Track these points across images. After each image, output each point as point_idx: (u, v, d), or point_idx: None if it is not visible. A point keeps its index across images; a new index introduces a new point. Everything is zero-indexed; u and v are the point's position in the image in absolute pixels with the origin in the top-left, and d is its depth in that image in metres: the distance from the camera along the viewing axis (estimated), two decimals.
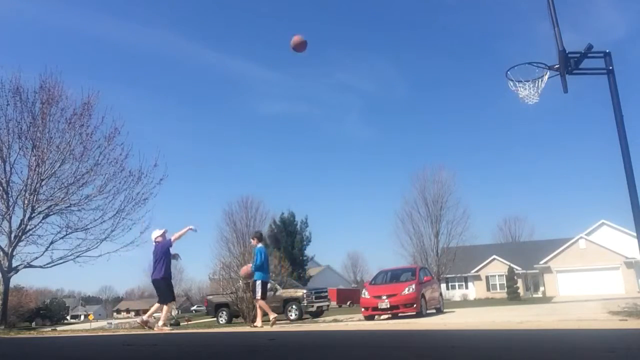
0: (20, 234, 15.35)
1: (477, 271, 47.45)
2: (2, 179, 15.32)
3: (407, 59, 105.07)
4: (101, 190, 16.27)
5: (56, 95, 16.20)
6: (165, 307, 9.37)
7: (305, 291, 18.04)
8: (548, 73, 8.06)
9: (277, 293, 17.43)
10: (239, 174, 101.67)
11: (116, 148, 16.53)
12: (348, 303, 43.97)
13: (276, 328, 9.36)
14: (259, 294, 9.95)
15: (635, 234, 7.22)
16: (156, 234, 9.52)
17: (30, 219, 15.55)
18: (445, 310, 15.42)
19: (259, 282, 9.91)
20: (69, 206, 16.10)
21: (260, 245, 10.21)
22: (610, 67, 7.68)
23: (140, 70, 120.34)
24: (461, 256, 38.51)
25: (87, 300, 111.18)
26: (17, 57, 37.36)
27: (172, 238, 9.34)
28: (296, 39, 8.38)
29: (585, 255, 41.45)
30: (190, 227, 9.38)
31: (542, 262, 43.35)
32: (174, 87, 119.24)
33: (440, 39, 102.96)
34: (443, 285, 39.07)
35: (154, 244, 9.43)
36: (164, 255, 9.22)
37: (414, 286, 12.98)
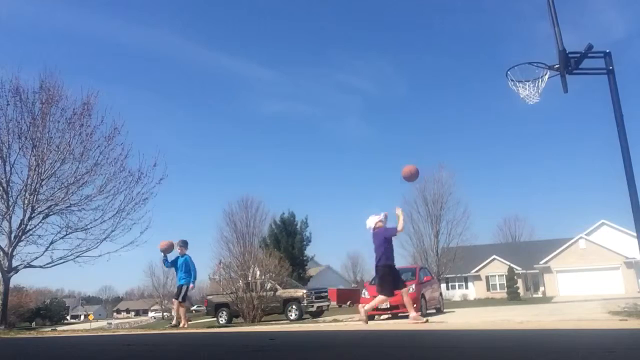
0: (20, 234, 15.33)
1: (477, 271, 47.46)
2: (2, 179, 15.30)
3: (407, 59, 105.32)
4: (101, 190, 16.24)
5: (56, 95, 16.16)
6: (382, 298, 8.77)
7: (305, 291, 18.03)
8: (548, 73, 8.05)
9: (277, 293, 17.43)
10: (239, 174, 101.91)
11: (116, 148, 16.49)
12: (348, 303, 43.93)
13: (276, 328, 9.35)
14: (181, 297, 10.89)
15: (635, 234, 7.21)
16: (375, 219, 8.56)
17: (30, 219, 15.53)
18: (445, 310, 15.43)
19: (185, 287, 10.82)
20: (69, 206, 16.08)
21: (186, 253, 11.03)
22: (610, 67, 7.68)
23: (140, 70, 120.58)
24: (461, 256, 38.50)
25: (87, 300, 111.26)
26: (17, 57, 37.26)
27: (398, 228, 8.36)
28: (408, 170, 8.35)
29: (585, 255, 41.48)
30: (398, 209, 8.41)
31: (542, 262, 43.35)
32: (174, 87, 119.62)
33: (440, 39, 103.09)
34: (443, 285, 39.06)
35: (372, 231, 8.52)
36: (386, 242, 8.41)
37: (414, 286, 12.98)
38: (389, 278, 8.38)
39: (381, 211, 8.72)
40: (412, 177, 8.53)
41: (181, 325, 10.57)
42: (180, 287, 10.85)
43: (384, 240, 8.37)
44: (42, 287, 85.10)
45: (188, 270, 10.81)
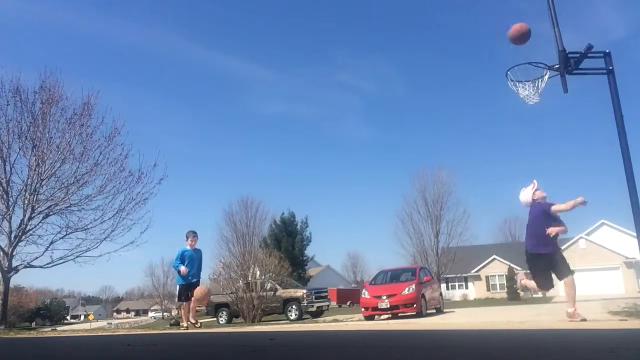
0: (20, 234, 15.34)
1: (477, 271, 47.43)
2: (2, 179, 15.32)
3: (407, 59, 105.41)
4: (101, 190, 16.29)
5: (56, 95, 16.21)
6: (567, 283, 6.83)
7: (305, 291, 18.04)
8: (548, 73, 8.04)
9: (277, 293, 17.43)
10: (239, 174, 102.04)
11: (116, 148, 16.57)
12: (348, 303, 43.96)
13: (276, 328, 9.35)
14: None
15: (635, 234, 7.21)
16: (529, 191, 6.94)
17: (30, 219, 15.55)
18: (445, 310, 15.42)
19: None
20: (69, 206, 16.10)
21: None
22: (610, 67, 7.67)
23: (140, 70, 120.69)
24: (461, 256, 38.52)
25: (87, 300, 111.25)
26: (17, 57, 37.42)
27: (560, 207, 6.59)
28: (517, 30, 7.15)
29: (585, 255, 41.45)
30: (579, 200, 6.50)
31: None
32: (174, 87, 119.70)
33: (440, 38, 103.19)
34: (443, 285, 39.09)
35: (527, 206, 7.00)
36: (538, 219, 6.80)
37: (414, 286, 12.99)
38: (539, 269, 6.88)
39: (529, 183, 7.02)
40: (520, 37, 7.22)
41: (186, 324, 9.62)
42: (196, 283, 9.57)
43: (540, 213, 6.72)
44: (42, 287, 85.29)
45: (200, 266, 9.73)
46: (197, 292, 9.22)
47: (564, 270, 6.79)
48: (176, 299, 10.15)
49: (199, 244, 9.76)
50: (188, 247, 9.54)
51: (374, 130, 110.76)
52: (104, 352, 5.18)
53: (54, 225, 16.15)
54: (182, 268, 9.27)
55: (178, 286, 9.70)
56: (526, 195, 6.95)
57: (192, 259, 9.49)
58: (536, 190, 6.88)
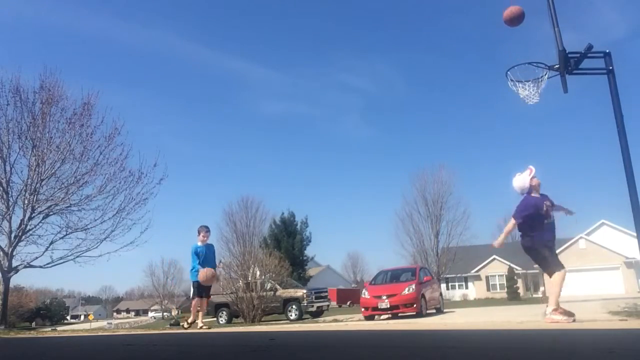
0: (20, 234, 15.33)
1: (477, 271, 47.44)
2: (2, 179, 15.31)
3: (407, 59, 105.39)
4: (101, 190, 16.26)
5: (56, 95, 16.20)
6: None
7: (305, 291, 18.03)
8: (548, 73, 8.04)
9: (277, 293, 17.42)
10: (239, 174, 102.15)
11: (116, 148, 16.54)
12: (348, 303, 43.97)
13: (276, 328, 9.34)
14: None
15: (635, 234, 7.20)
16: (525, 178, 6.52)
17: (30, 219, 15.54)
18: (445, 310, 15.43)
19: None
20: (69, 206, 16.09)
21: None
22: (610, 67, 7.66)
23: (140, 70, 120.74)
24: (461, 256, 38.50)
25: (87, 300, 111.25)
26: (17, 57, 37.45)
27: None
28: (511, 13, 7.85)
29: (585, 255, 41.46)
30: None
31: None
32: (174, 87, 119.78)
33: (440, 39, 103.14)
34: (443, 285, 39.12)
35: (522, 193, 6.57)
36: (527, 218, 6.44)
37: (414, 286, 12.98)
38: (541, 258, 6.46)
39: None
40: (514, 19, 7.95)
41: (191, 322, 9.49)
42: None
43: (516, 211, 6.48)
44: (42, 287, 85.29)
45: (214, 262, 9.51)
46: (202, 274, 8.91)
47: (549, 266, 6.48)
48: (190, 296, 9.93)
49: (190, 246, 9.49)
50: (200, 244, 9.28)
51: (374, 130, 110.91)
52: (104, 352, 5.18)
53: (54, 225, 16.16)
54: (201, 271, 8.96)
55: (192, 282, 9.47)
56: (522, 181, 6.54)
57: (206, 256, 9.23)
58: (533, 177, 6.52)
